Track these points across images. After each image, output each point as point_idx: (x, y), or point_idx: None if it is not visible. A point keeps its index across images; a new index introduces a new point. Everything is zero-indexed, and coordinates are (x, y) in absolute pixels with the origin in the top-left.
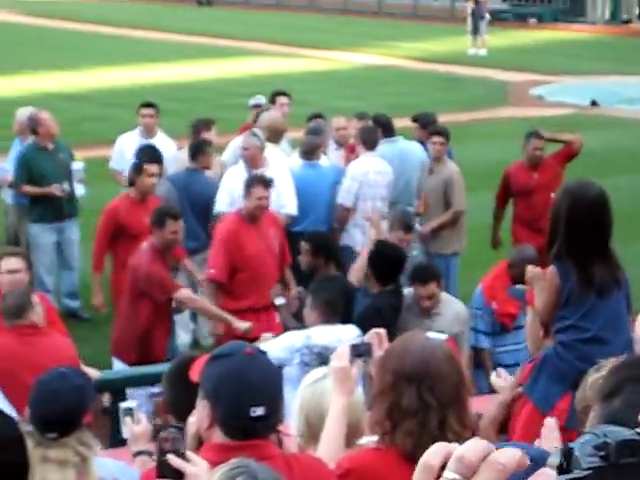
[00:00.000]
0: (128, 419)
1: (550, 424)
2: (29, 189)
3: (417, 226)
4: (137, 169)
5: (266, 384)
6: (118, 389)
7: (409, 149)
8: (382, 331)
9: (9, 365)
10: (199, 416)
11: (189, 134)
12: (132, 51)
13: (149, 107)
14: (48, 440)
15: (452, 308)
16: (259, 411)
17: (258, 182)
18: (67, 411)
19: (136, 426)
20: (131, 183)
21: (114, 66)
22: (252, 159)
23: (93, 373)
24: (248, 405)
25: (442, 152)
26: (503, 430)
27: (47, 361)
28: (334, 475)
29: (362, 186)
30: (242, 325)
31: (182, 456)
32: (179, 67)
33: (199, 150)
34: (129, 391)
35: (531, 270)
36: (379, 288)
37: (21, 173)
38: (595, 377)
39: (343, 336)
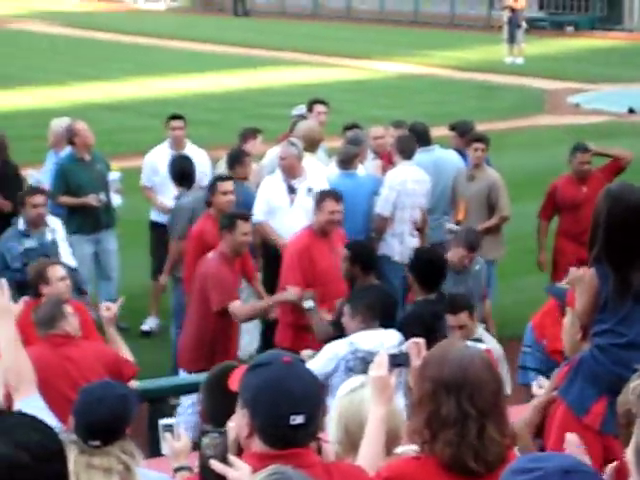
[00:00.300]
0: (168, 435)
1: (571, 440)
2: (66, 200)
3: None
4: (211, 188)
5: (305, 392)
6: (156, 399)
7: (445, 157)
8: (421, 341)
9: (44, 375)
10: (238, 424)
11: (237, 142)
12: (168, 62)
13: (178, 119)
14: (92, 448)
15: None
16: (299, 419)
17: (329, 196)
18: (111, 419)
19: (176, 442)
20: (208, 204)
21: (150, 76)
22: (290, 168)
23: (131, 383)
24: (288, 413)
25: (482, 159)
26: (539, 434)
27: (80, 371)
28: None
29: (400, 195)
30: (290, 293)
31: (225, 461)
32: (214, 77)
33: (237, 160)
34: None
35: (574, 272)
36: (422, 295)
37: (58, 184)
38: (638, 382)
39: (386, 340)
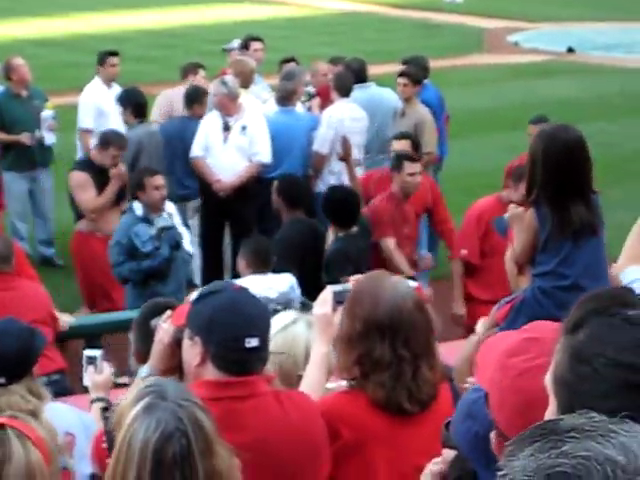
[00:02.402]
0: (91, 367)
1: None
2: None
3: None
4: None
5: (259, 315)
6: (93, 335)
7: (381, 95)
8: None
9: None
10: (187, 356)
11: (179, 78)
12: None
13: (116, 56)
14: None
15: None
16: (254, 342)
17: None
18: (15, 352)
19: (97, 375)
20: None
21: (89, 12)
22: (222, 106)
23: (67, 318)
24: (243, 336)
25: (408, 93)
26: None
27: (23, 308)
28: (319, 410)
29: (338, 133)
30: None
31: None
32: (155, 14)
33: (196, 99)
34: None
35: (513, 209)
36: (343, 232)
37: None
38: None
39: (274, 285)
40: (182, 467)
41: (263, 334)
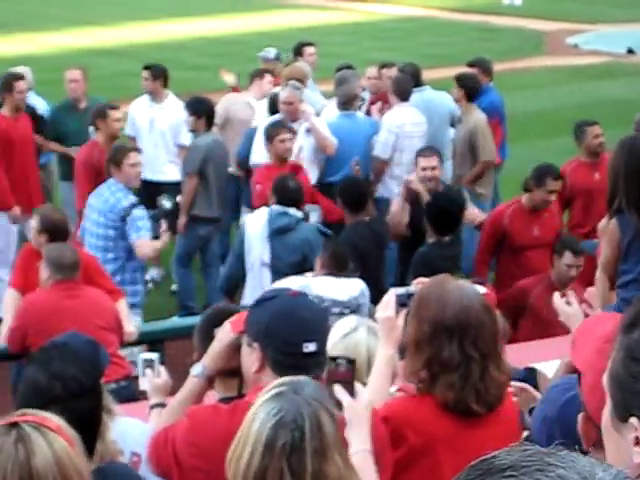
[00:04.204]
0: (149, 371)
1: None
2: (53, 147)
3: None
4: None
5: (316, 320)
6: (154, 341)
7: (436, 98)
8: (427, 280)
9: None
10: (246, 362)
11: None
12: (163, 5)
13: (145, 69)
14: None
15: None
16: (311, 347)
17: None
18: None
19: (156, 378)
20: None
21: (146, 20)
22: (294, 112)
23: (132, 329)
24: (300, 341)
25: (460, 99)
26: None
27: (89, 315)
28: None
29: (399, 138)
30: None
31: (350, 388)
32: (211, 21)
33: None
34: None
35: (602, 223)
36: (435, 238)
37: (49, 130)
38: None
39: (345, 289)
40: (290, 459)
41: (321, 339)
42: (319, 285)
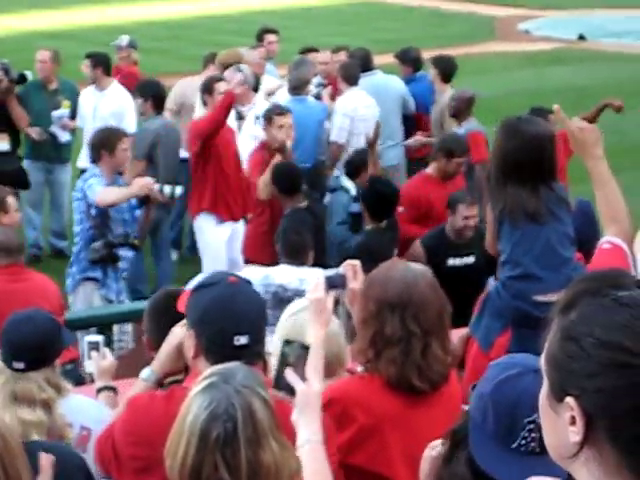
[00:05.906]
0: (94, 353)
1: None
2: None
3: None
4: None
5: (250, 313)
6: (102, 325)
7: (387, 82)
8: (357, 262)
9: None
10: (186, 345)
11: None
12: None
13: (86, 58)
14: (16, 372)
15: None
16: (243, 340)
17: None
18: (38, 338)
19: (102, 360)
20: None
21: (102, 4)
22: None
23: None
24: (231, 334)
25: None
26: (461, 366)
27: (36, 298)
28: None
29: (353, 122)
30: None
31: (301, 372)
32: (163, 4)
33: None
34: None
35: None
36: (372, 224)
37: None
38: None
39: (306, 277)
40: (224, 451)
41: (254, 331)
42: (280, 274)
